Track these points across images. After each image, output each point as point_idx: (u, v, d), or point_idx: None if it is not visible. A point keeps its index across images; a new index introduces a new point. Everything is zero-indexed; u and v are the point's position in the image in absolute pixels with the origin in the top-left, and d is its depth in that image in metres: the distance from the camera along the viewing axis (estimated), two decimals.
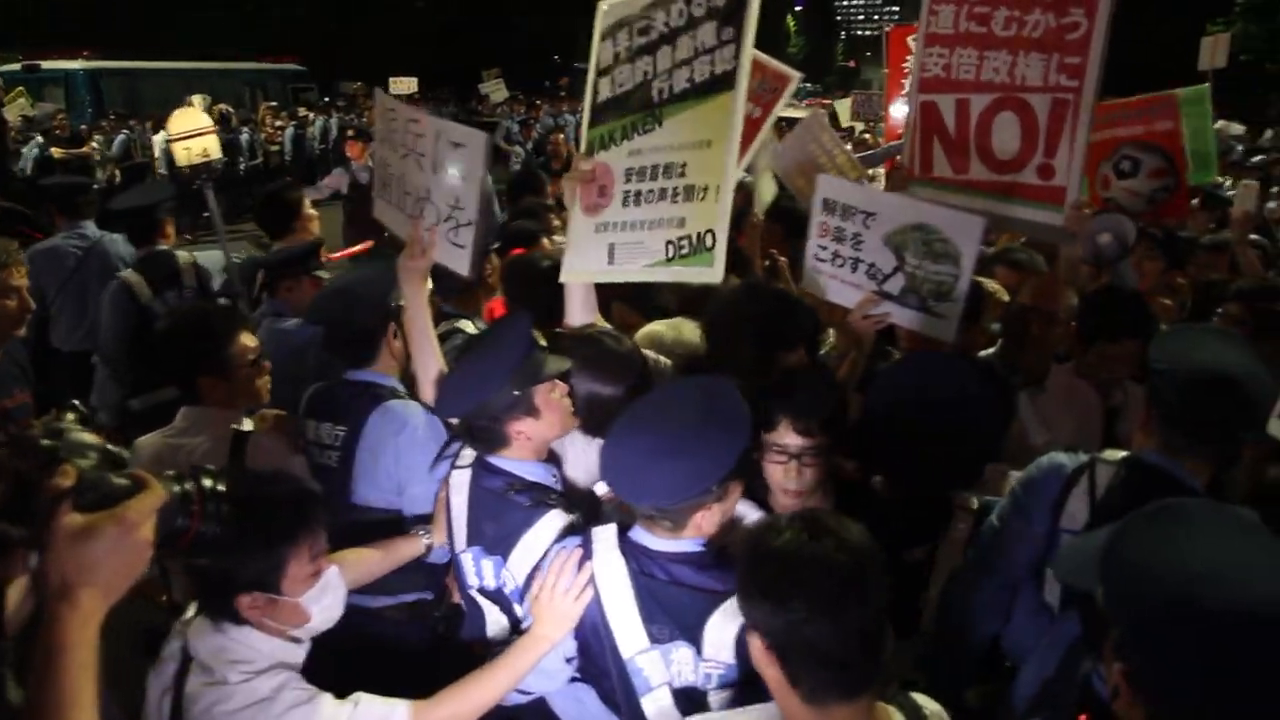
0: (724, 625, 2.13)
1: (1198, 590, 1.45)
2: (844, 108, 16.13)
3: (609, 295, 3.84)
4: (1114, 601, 1.56)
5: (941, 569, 2.72)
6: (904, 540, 2.70)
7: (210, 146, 6.12)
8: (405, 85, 20.36)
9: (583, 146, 3.20)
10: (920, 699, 1.96)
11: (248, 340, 3.17)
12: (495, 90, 21.95)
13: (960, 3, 3.82)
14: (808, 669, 1.73)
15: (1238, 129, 17.60)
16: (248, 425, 2.98)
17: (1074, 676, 1.94)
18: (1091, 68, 3.63)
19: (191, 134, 6.10)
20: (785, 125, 6.98)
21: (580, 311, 3.22)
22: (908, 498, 2.73)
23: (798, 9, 46.20)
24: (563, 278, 3.24)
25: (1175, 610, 1.46)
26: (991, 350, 3.86)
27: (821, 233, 3.56)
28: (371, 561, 2.82)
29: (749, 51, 2.75)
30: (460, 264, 3.26)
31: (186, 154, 6.05)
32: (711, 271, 2.86)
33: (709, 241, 2.83)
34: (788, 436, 2.53)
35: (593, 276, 3.19)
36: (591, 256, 3.13)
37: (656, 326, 3.87)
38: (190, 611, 2.22)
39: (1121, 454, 2.52)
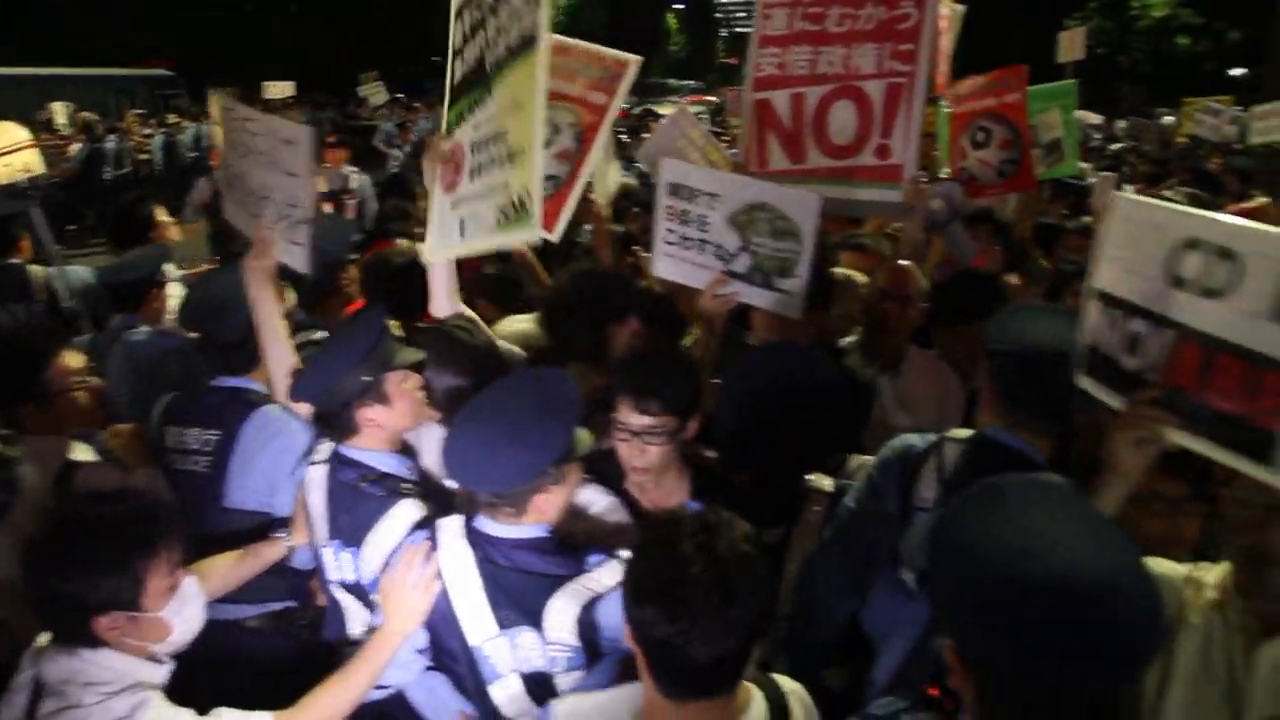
0: (565, 608, 2.19)
1: (1017, 565, 1.51)
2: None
3: (474, 293, 3.88)
4: (940, 580, 1.61)
5: (796, 552, 2.75)
6: (760, 524, 2.76)
7: (31, 162, 5.88)
8: (280, 89, 19.85)
9: (443, 127, 3.22)
10: (780, 679, 2.02)
11: (70, 361, 3.08)
12: (374, 93, 21.61)
13: (794, 4, 3.98)
14: (671, 670, 1.77)
15: (1095, 119, 18.46)
16: (82, 452, 2.91)
17: (928, 653, 2.02)
18: (923, 52, 3.82)
19: (9, 150, 5.85)
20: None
21: (444, 300, 3.23)
22: (763, 483, 2.79)
23: (677, 7, 46.63)
24: (427, 257, 3.26)
25: (997, 585, 1.51)
26: (852, 338, 3.97)
27: (668, 216, 3.62)
28: (229, 569, 2.80)
29: (546, 9, 2.79)
30: (298, 261, 3.24)
31: (8, 170, 5.79)
32: (530, 233, 2.94)
33: (526, 203, 2.89)
34: (629, 416, 2.59)
35: (452, 252, 3.22)
36: (449, 234, 3.16)
37: (521, 323, 3.91)
38: (41, 640, 2.17)
39: (968, 432, 2.61)
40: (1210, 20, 24.14)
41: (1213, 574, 2.12)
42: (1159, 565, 2.17)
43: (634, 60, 4.11)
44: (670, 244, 3.63)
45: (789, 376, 2.74)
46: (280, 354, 3.03)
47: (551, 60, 3.85)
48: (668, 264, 3.66)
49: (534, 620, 2.21)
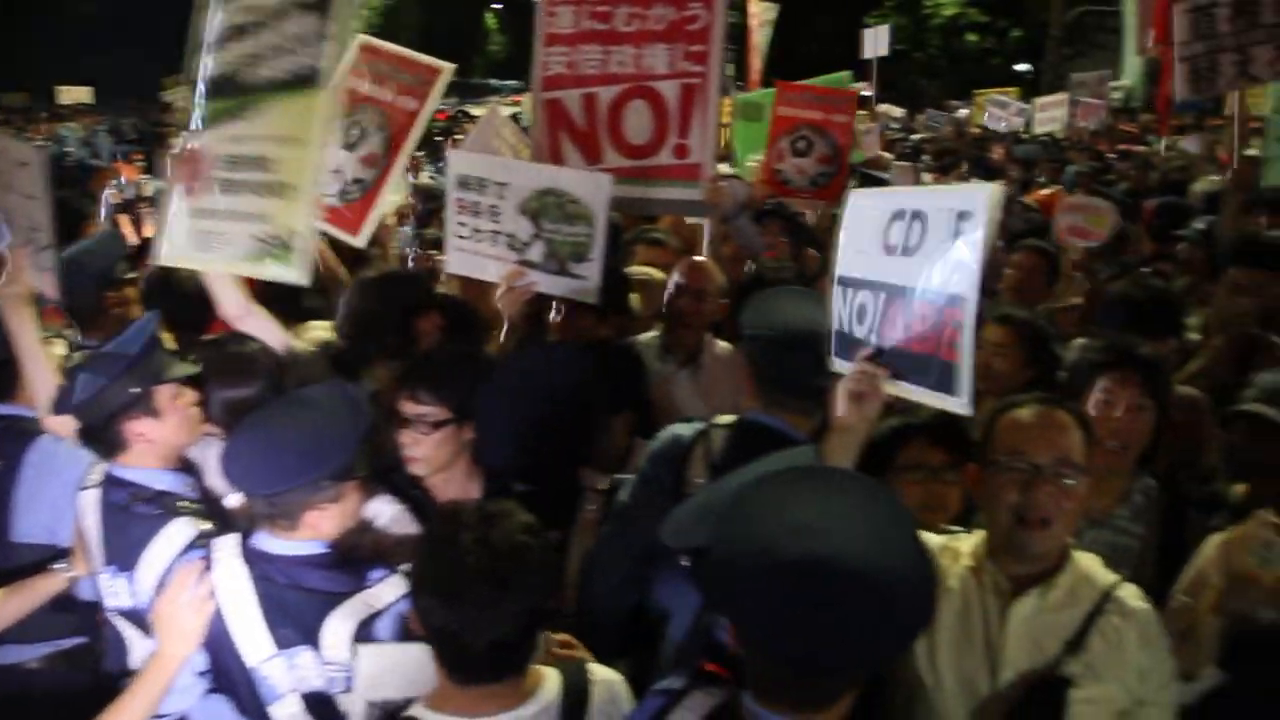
0: (341, 626, 2.17)
1: (792, 547, 1.57)
2: None
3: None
4: (718, 566, 1.66)
5: (576, 550, 2.80)
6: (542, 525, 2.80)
7: None
8: (75, 95, 18.71)
9: (193, 121, 3.10)
10: (595, 668, 2.07)
11: None
12: (180, 97, 20.56)
13: (579, 3, 4.00)
14: (452, 655, 1.85)
15: (897, 112, 19.40)
16: None
17: (702, 630, 2.08)
18: (714, 53, 3.92)
19: None
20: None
21: (234, 307, 3.10)
22: (538, 482, 2.80)
23: (496, 6, 46.26)
24: (160, 261, 3.16)
25: (771, 568, 1.57)
26: (652, 333, 3.99)
27: (459, 209, 3.57)
28: (3, 606, 2.63)
29: (335, 50, 2.79)
30: (47, 287, 3.13)
31: None
32: (294, 273, 2.89)
33: (293, 242, 2.86)
34: (404, 404, 2.63)
35: (189, 263, 3.12)
36: (190, 241, 3.06)
37: (320, 330, 3.80)
38: None
39: (733, 418, 2.69)
40: (994, 19, 25.78)
41: (967, 542, 2.26)
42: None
43: (446, 67, 4.05)
44: (462, 238, 3.58)
45: (541, 378, 2.80)
46: (42, 377, 2.90)
47: (360, 61, 3.78)
48: (461, 259, 3.61)
49: (312, 639, 2.19)
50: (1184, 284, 5.00)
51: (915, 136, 14.65)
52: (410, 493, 2.69)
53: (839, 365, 2.31)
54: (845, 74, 7.24)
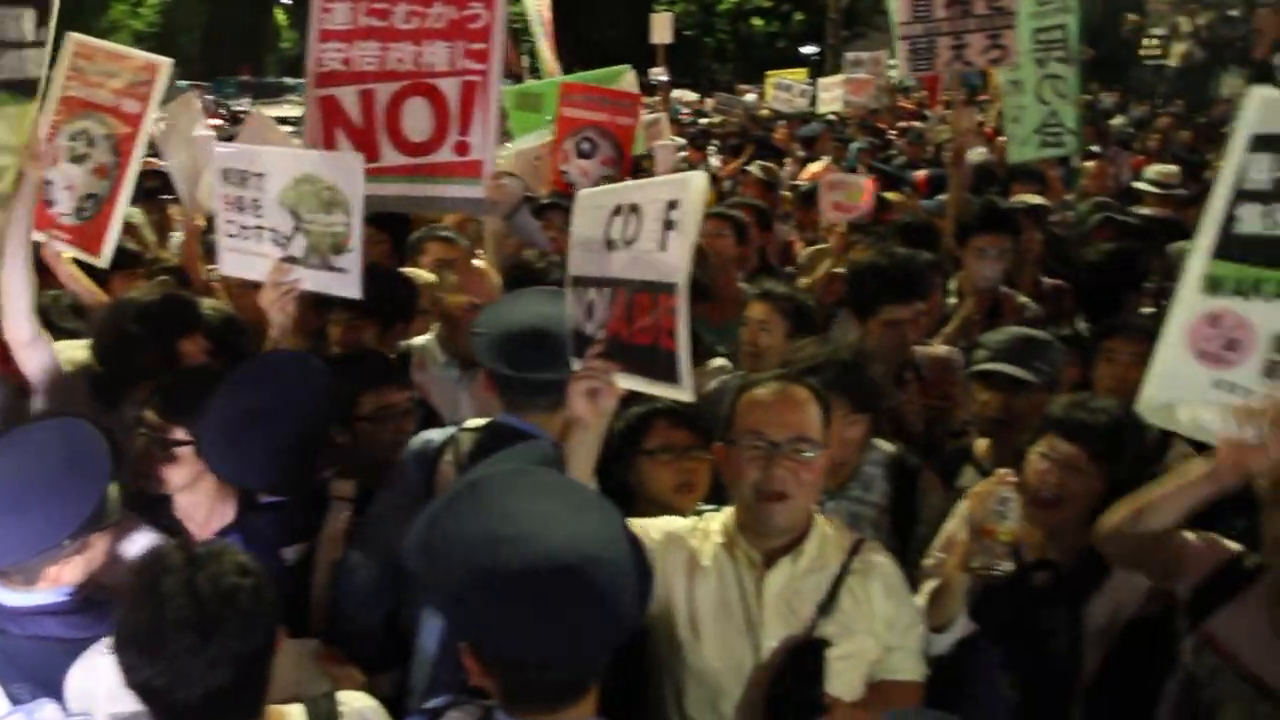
0: (85, 674, 2.07)
1: (495, 553, 1.60)
2: None
3: None
4: (430, 576, 1.68)
5: (323, 563, 2.77)
6: (281, 540, 2.75)
7: None
8: None
9: None
10: (349, 696, 2.02)
11: None
12: None
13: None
14: (161, 710, 1.74)
15: (690, 97, 19.87)
16: None
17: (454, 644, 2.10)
18: (495, 52, 3.96)
19: None
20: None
21: (21, 327, 2.97)
22: (281, 495, 2.77)
23: (285, 2, 44.31)
24: None
25: (479, 576, 1.60)
26: (428, 337, 3.96)
27: (226, 206, 3.37)
28: None
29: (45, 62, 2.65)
30: None
31: None
32: None
33: None
34: (157, 426, 2.58)
35: None
36: None
37: (76, 349, 3.61)
38: None
39: (483, 421, 2.73)
40: (777, 3, 26.76)
41: (717, 520, 2.38)
42: (667, 524, 2.40)
43: (163, 63, 3.88)
44: (231, 236, 3.38)
45: (273, 387, 2.72)
46: None
47: (76, 65, 3.55)
48: (233, 260, 3.44)
49: (54, 692, 2.07)
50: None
51: (704, 121, 15.06)
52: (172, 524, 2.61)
53: (577, 365, 2.32)
54: (625, 68, 7.38)
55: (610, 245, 2.25)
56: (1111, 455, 2.61)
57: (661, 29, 15.00)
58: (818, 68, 20.75)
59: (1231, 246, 2.53)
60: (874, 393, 2.97)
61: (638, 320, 2.16)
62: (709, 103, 18.78)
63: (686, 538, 2.36)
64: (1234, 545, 2.47)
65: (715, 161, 11.00)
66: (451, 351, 3.81)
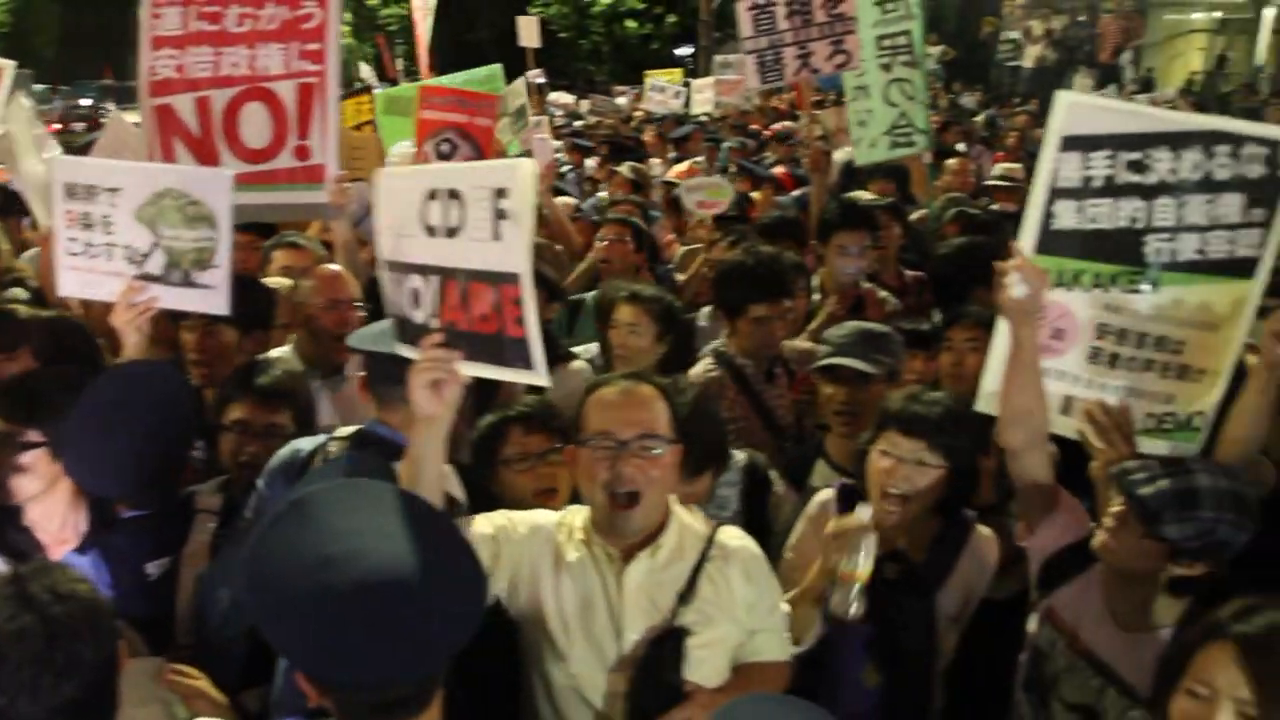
0: None
1: (321, 575, 1.55)
2: None
3: None
4: (257, 599, 1.60)
5: (187, 578, 2.70)
6: (145, 554, 2.68)
7: None
8: None
9: None
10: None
11: None
12: None
13: (186, 3, 3.81)
14: None
15: (567, 99, 19.81)
16: None
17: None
18: (331, 52, 3.86)
19: None
20: None
21: None
22: (142, 507, 2.71)
23: None
24: None
25: (304, 598, 1.55)
26: (286, 348, 3.83)
27: (68, 223, 3.24)
28: None
29: None
30: None
31: None
32: None
33: None
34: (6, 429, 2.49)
35: None
36: None
37: None
38: None
39: (352, 430, 2.69)
40: (650, 5, 26.95)
41: (579, 516, 2.38)
42: (533, 518, 2.40)
43: (4, 65, 3.70)
44: (74, 255, 3.26)
45: (126, 396, 2.66)
46: None
47: None
48: (73, 279, 3.31)
49: None
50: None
51: (579, 123, 15.03)
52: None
53: (405, 351, 2.30)
54: (496, 68, 7.32)
55: (430, 231, 2.21)
56: (950, 444, 2.66)
57: (528, 33, 14.92)
58: (693, 70, 20.96)
59: (1051, 241, 2.64)
60: (716, 449, 2.95)
61: (476, 309, 2.15)
62: (585, 105, 18.76)
63: (553, 532, 2.36)
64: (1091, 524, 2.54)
65: (591, 163, 10.95)
66: (310, 360, 3.72)
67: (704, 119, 14.06)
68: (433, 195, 2.19)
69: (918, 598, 2.68)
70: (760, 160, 10.14)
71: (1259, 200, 2.53)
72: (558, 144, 11.41)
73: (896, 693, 2.65)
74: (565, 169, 9.64)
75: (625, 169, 8.23)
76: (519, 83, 7.74)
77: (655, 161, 10.32)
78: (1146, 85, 21.16)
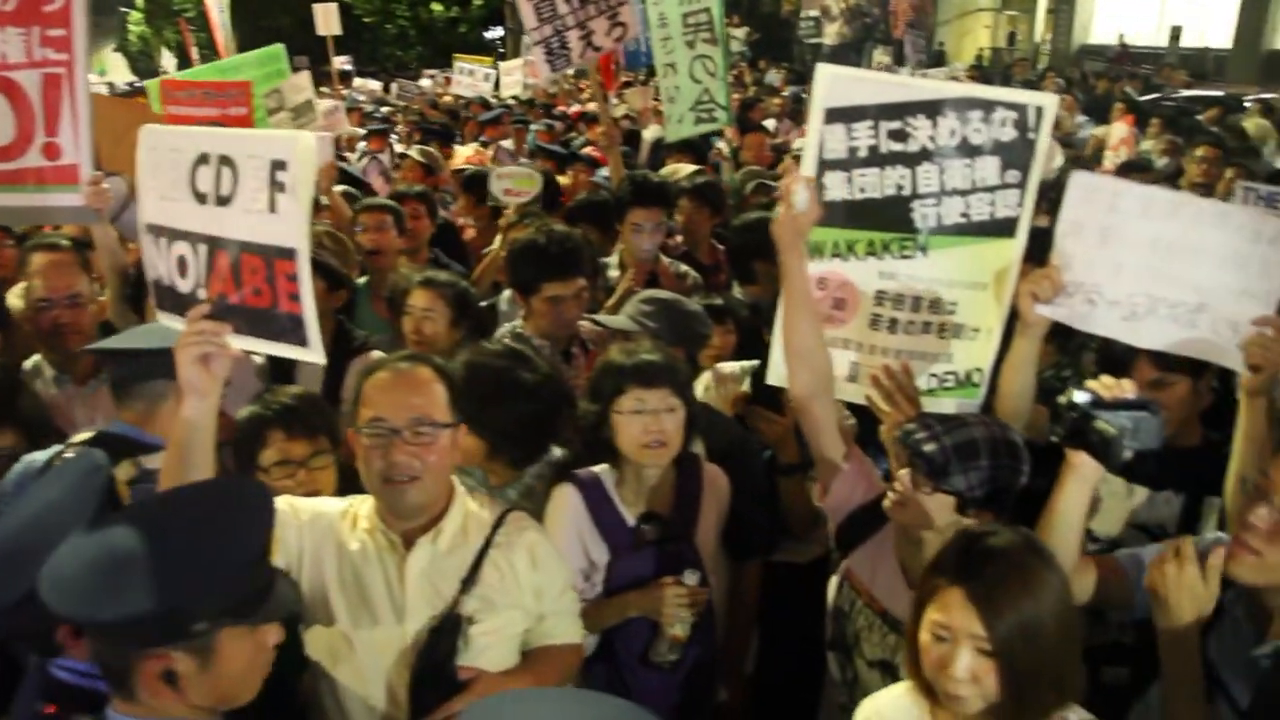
0: None
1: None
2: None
3: None
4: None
5: None
6: None
7: None
8: None
9: None
10: None
11: None
12: None
13: None
14: None
15: (374, 85, 19.27)
16: None
17: (37, 671, 1.92)
18: (78, 39, 3.55)
19: None
20: None
21: None
22: None
23: None
24: None
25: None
26: (37, 356, 3.55)
27: None
28: None
29: None
30: None
31: None
32: None
33: None
34: None
35: None
36: None
37: None
38: None
39: (89, 434, 2.48)
40: None
41: (366, 504, 2.32)
42: (318, 505, 2.33)
43: None
44: None
45: None
46: None
47: None
48: None
49: None
50: None
51: (385, 109, 14.59)
52: None
53: (165, 320, 2.20)
54: (278, 48, 6.99)
55: (199, 198, 2.14)
56: (682, 385, 2.71)
57: (327, 20, 14.41)
58: (502, 53, 20.71)
59: (823, 213, 2.66)
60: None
61: (248, 282, 2.10)
62: (394, 89, 18.27)
63: (336, 521, 2.30)
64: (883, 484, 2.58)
65: (400, 149, 10.62)
66: (60, 366, 3.48)
67: (511, 102, 13.90)
68: (204, 159, 2.12)
69: (681, 549, 2.73)
70: (568, 142, 10.08)
71: (1013, 162, 2.62)
72: (361, 130, 11.06)
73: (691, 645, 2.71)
74: (363, 157, 9.30)
75: (415, 152, 7.93)
76: (301, 77, 7.36)
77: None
78: (938, 60, 22.31)
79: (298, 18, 23.13)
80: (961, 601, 1.82)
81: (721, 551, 2.97)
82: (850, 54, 17.58)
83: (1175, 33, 24.90)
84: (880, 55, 17.37)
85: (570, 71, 13.44)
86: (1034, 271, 2.54)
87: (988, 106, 2.58)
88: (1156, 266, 2.39)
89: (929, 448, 2.31)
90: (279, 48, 6.96)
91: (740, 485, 3.06)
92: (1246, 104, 13.12)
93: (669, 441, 2.66)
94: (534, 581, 2.32)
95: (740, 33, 20.76)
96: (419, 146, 8.14)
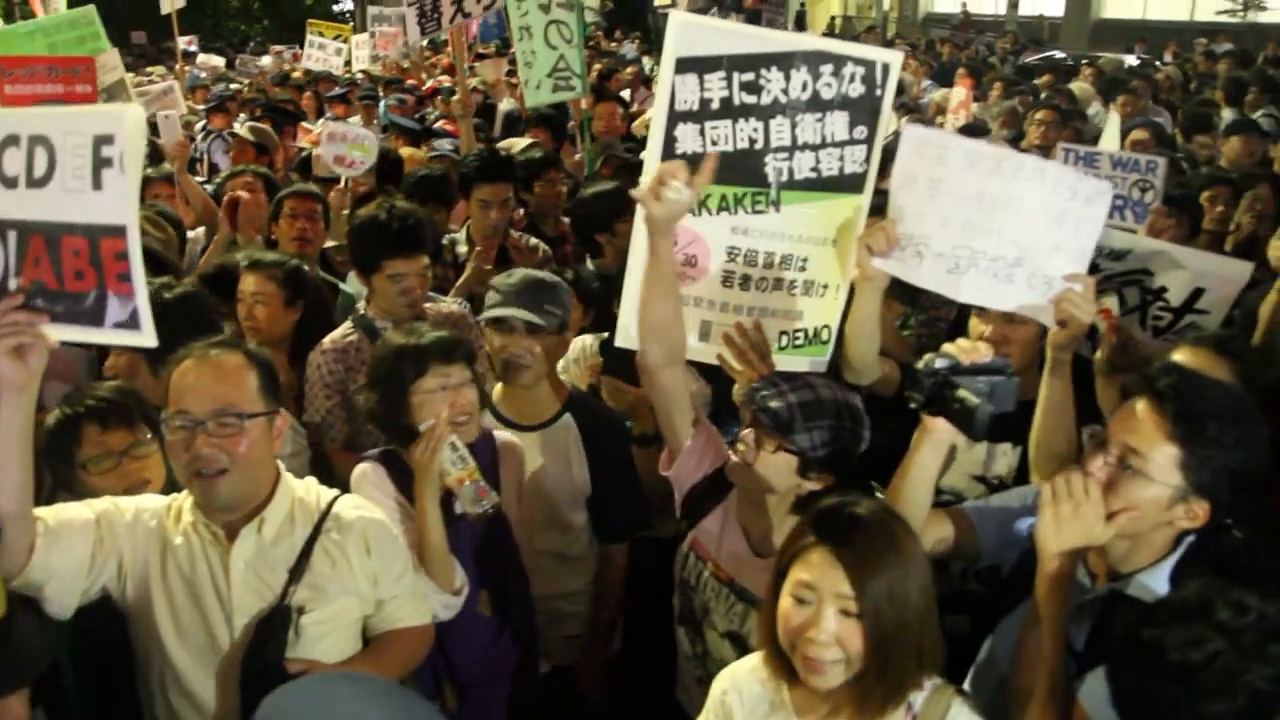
0: None
1: None
2: None
3: None
4: None
5: None
6: None
7: None
8: None
9: None
10: None
11: None
12: None
13: None
14: None
15: (218, 61, 18.33)
16: None
17: None
18: None
19: None
20: None
21: None
22: None
23: None
24: None
25: None
26: None
27: None
28: None
29: None
30: None
31: None
32: None
33: None
34: None
35: None
36: None
37: None
38: None
39: None
40: None
41: (190, 499, 2.22)
42: (140, 502, 2.25)
43: None
44: None
45: None
46: None
47: None
48: None
49: None
50: None
51: (233, 86, 13.90)
52: None
53: None
54: (89, 9, 6.54)
55: (8, 183, 2.02)
56: (468, 357, 2.69)
57: None
58: (353, 26, 19.99)
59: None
60: None
61: (70, 266, 2.00)
62: (237, 65, 17.43)
63: (160, 518, 2.21)
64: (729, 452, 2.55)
65: (241, 129, 10.10)
66: None
67: (360, 76, 13.43)
68: (12, 141, 2.00)
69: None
70: (424, 117, 9.78)
71: (861, 119, 2.61)
72: (200, 108, 10.51)
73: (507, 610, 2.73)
74: (208, 136, 8.84)
75: (244, 130, 7.43)
76: (111, 55, 6.91)
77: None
78: (800, 24, 22.67)
79: None
80: (829, 560, 1.80)
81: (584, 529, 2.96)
82: None
83: (1014, 1, 25.92)
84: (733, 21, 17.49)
85: (424, 43, 13.15)
86: (871, 225, 2.54)
87: (839, 61, 2.57)
88: (979, 220, 2.39)
89: (775, 404, 2.30)
90: (90, 9, 6.50)
91: (609, 467, 3.04)
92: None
93: (474, 414, 2.64)
94: (369, 567, 2.26)
95: (594, 2, 20.60)
96: (250, 124, 7.69)
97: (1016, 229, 2.38)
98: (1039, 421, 2.49)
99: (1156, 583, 1.98)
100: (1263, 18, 23.94)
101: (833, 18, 29.91)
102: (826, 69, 2.56)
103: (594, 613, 3.14)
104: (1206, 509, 1.95)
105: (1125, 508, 1.93)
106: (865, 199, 2.64)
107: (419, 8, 5.64)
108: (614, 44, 17.34)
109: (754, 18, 16.16)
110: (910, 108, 8.93)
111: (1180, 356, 2.60)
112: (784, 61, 2.54)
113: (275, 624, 2.12)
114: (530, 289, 3.11)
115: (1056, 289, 2.37)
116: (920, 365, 2.08)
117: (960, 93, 8.61)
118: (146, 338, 2.01)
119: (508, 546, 2.77)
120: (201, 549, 2.18)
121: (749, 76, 2.54)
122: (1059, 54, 16.50)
